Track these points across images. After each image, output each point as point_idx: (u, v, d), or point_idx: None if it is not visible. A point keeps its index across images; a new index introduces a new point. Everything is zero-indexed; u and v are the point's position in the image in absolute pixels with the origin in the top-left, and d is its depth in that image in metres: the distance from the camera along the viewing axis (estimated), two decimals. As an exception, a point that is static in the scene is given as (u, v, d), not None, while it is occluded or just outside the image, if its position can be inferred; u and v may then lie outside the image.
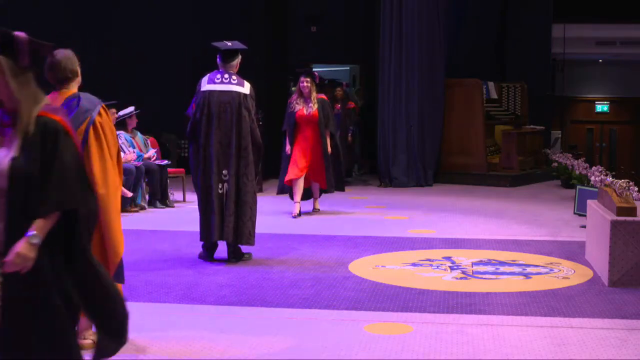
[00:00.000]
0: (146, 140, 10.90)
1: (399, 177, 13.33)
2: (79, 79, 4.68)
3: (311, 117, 9.57)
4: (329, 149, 9.69)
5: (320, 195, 10.25)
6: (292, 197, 9.84)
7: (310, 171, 9.73)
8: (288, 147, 9.78)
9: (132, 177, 9.86)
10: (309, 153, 9.64)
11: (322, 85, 14.81)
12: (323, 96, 9.82)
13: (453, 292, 6.11)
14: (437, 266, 7.02)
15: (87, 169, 4.47)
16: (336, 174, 9.96)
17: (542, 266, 7.08)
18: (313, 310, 5.54)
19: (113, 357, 4.48)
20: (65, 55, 4.64)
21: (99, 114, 4.55)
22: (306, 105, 9.60)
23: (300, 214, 9.73)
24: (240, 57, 7.21)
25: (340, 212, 10.30)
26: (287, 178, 9.63)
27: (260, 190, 11.24)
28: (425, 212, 10.38)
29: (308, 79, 9.60)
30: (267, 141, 9.11)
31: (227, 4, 14.81)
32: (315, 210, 10.11)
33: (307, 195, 10.07)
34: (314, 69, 19.30)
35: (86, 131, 4.49)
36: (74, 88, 4.65)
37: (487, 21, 15.84)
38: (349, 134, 13.21)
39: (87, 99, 4.58)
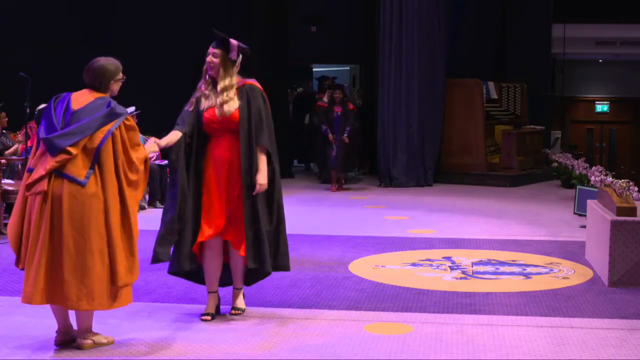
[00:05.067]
0: (146, 140, 10.89)
1: (399, 177, 13.33)
2: (111, 92, 4.73)
3: (226, 122, 5.23)
4: (259, 185, 5.15)
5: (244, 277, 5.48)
6: (200, 281, 5.48)
7: (228, 226, 5.24)
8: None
9: (132, 177, 9.85)
10: (225, 191, 5.24)
11: (326, 85, 14.74)
12: (254, 82, 5.42)
13: (453, 292, 6.11)
14: (437, 266, 7.02)
15: (106, 166, 4.52)
16: (275, 239, 5.30)
17: (542, 266, 7.08)
18: (313, 310, 5.54)
19: (112, 357, 4.49)
20: (103, 65, 4.70)
21: (127, 119, 4.62)
22: (216, 99, 5.27)
23: (214, 315, 5.32)
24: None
25: (340, 213, 10.30)
26: (199, 238, 5.24)
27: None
28: (425, 212, 10.37)
29: (217, 51, 5.26)
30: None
31: (226, 3, 14.81)
32: (236, 312, 5.40)
33: (227, 275, 5.48)
34: (313, 69, 19.27)
35: (110, 130, 4.54)
36: (104, 93, 4.71)
37: (487, 21, 15.83)
38: (345, 135, 12.43)
39: (118, 105, 4.69)
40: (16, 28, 13.74)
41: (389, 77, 13.40)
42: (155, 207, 10.46)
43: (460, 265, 7.05)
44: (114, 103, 4.64)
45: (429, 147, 13.57)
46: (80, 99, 4.63)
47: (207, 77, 5.30)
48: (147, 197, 10.53)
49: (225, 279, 5.44)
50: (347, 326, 5.16)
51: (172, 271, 5.33)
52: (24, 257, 4.54)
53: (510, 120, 15.02)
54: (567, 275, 6.74)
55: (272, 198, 5.26)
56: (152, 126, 12.52)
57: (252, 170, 5.18)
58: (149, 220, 9.54)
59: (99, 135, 4.52)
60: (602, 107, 22.08)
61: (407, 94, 13.37)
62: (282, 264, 5.32)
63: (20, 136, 9.88)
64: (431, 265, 7.07)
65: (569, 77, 19.79)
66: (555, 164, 13.49)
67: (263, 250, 5.16)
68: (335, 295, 5.95)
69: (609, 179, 7.79)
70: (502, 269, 6.96)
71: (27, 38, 13.50)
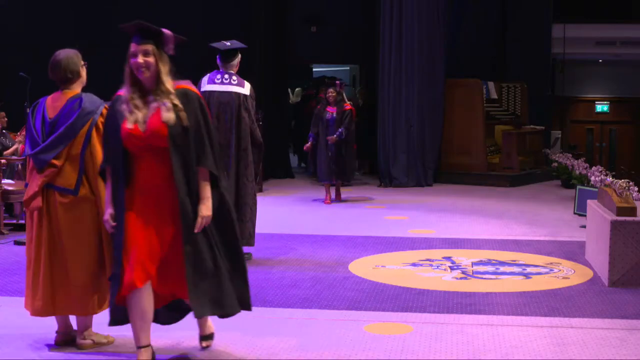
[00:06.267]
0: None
1: (399, 177, 13.33)
2: (82, 80, 4.71)
3: (152, 137, 4.11)
4: (201, 218, 4.13)
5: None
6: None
7: (165, 271, 4.17)
8: None
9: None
10: (155, 228, 4.13)
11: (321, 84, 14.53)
12: (188, 85, 4.29)
13: (453, 292, 6.11)
14: (437, 266, 7.02)
15: (90, 169, 4.52)
16: (236, 281, 4.34)
17: (542, 266, 7.08)
18: (313, 310, 5.54)
19: (112, 357, 4.48)
20: (67, 56, 4.66)
21: (102, 115, 4.58)
22: (141, 109, 4.16)
23: None
24: (240, 56, 7.21)
25: (339, 213, 10.29)
26: (122, 289, 4.08)
27: (260, 191, 11.25)
28: (425, 212, 10.37)
29: (148, 47, 4.17)
30: (266, 141, 9.00)
31: (227, 3, 14.81)
32: (206, 342, 4.62)
33: (169, 314, 4.54)
34: (314, 69, 19.21)
35: (88, 132, 4.52)
36: (76, 89, 4.68)
37: (487, 21, 15.83)
38: (335, 135, 10.68)
39: (90, 100, 4.61)
40: (16, 28, 13.75)
41: (389, 77, 13.40)
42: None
43: (460, 265, 7.05)
44: (85, 100, 4.58)
45: (429, 147, 13.58)
46: (54, 104, 4.60)
47: (130, 82, 4.16)
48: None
49: (170, 317, 4.53)
50: (347, 326, 5.16)
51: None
52: None
53: (510, 120, 15.03)
54: (567, 275, 6.74)
55: (222, 230, 4.26)
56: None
57: (192, 200, 4.13)
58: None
59: (80, 140, 4.53)
60: (602, 107, 22.08)
61: (407, 94, 13.38)
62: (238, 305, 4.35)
63: (20, 136, 9.89)
64: (431, 265, 7.07)
65: (569, 77, 19.79)
66: (555, 164, 13.49)
67: (223, 293, 4.21)
68: (335, 295, 5.95)
69: (609, 179, 7.79)
70: (502, 269, 6.96)
71: (28, 38, 13.50)
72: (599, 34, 18.65)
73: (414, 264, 7.09)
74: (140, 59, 4.12)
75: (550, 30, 16.54)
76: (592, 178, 9.64)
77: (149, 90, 4.15)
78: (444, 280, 6.49)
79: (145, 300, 4.09)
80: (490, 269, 6.95)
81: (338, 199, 11.27)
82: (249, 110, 7.02)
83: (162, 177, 4.12)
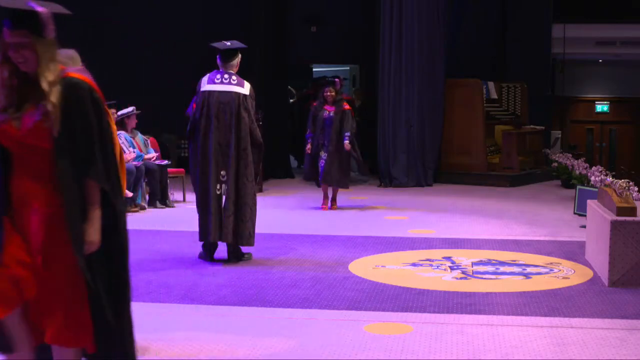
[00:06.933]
0: (146, 140, 10.90)
1: (399, 177, 13.33)
2: None
3: (31, 136, 3.28)
4: (87, 243, 3.28)
5: None
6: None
7: (40, 308, 3.35)
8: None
9: (132, 177, 9.86)
10: (32, 250, 3.32)
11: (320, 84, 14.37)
12: (80, 74, 3.39)
13: (453, 292, 6.11)
14: (437, 266, 7.02)
15: None
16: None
17: (542, 266, 7.08)
18: (313, 310, 5.54)
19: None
20: (66, 55, 4.65)
21: None
22: (16, 102, 3.34)
23: None
24: (240, 56, 7.21)
25: (339, 213, 10.29)
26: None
27: (260, 191, 11.25)
28: (425, 212, 10.37)
29: (23, 38, 3.26)
30: (266, 141, 8.93)
31: (226, 3, 14.82)
32: None
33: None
34: (314, 69, 19.18)
35: None
36: None
37: (487, 21, 15.84)
38: (346, 141, 10.04)
39: None
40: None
41: (389, 77, 13.40)
42: (155, 207, 10.47)
43: (460, 265, 7.05)
44: None
45: (429, 147, 13.58)
46: None
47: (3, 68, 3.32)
48: (147, 197, 10.53)
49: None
50: (347, 326, 5.16)
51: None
52: None
53: (510, 120, 15.03)
54: (567, 275, 6.74)
55: (111, 258, 3.40)
56: (152, 125, 12.56)
57: (74, 218, 3.28)
58: (148, 220, 9.54)
59: None
60: (602, 107, 22.07)
61: (407, 94, 13.38)
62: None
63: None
64: (431, 265, 7.07)
65: (569, 77, 19.78)
66: (555, 164, 13.49)
67: (110, 336, 3.40)
68: (335, 295, 5.95)
69: (609, 179, 7.79)
70: (502, 269, 6.96)
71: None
72: (599, 34, 18.64)
73: (414, 264, 7.10)
74: (18, 54, 3.26)
75: (550, 30, 16.55)
76: (592, 178, 9.64)
77: (30, 79, 3.30)
78: (444, 280, 6.50)
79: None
80: (490, 269, 6.96)
81: (333, 207, 10.46)
82: (249, 110, 7.03)
83: (43, 184, 3.31)
